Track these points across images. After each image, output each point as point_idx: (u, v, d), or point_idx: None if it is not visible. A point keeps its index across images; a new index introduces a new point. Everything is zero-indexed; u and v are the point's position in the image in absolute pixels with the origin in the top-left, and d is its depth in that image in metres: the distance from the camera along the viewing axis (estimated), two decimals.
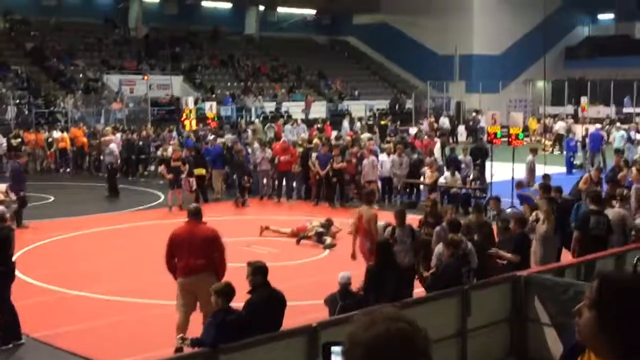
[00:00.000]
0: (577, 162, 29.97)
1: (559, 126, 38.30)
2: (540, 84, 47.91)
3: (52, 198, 23.72)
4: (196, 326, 9.46)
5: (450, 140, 33.95)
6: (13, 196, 18.69)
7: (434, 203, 13.62)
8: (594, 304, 2.52)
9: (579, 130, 35.17)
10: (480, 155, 23.70)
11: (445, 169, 22.35)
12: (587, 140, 30.45)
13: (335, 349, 2.36)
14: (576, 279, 10.13)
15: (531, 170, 21.74)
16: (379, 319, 2.22)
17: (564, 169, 28.24)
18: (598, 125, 33.05)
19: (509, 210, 19.31)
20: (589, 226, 12.04)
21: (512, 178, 20.04)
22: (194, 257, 9.85)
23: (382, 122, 39.17)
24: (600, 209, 12.33)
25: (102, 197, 23.87)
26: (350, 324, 2.29)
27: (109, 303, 12.71)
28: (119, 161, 24.58)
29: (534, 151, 23.01)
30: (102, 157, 29.32)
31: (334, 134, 32.08)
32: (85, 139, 30.63)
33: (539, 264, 11.41)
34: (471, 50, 49.26)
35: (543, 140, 37.08)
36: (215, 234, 10.13)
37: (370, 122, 39.87)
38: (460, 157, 22.91)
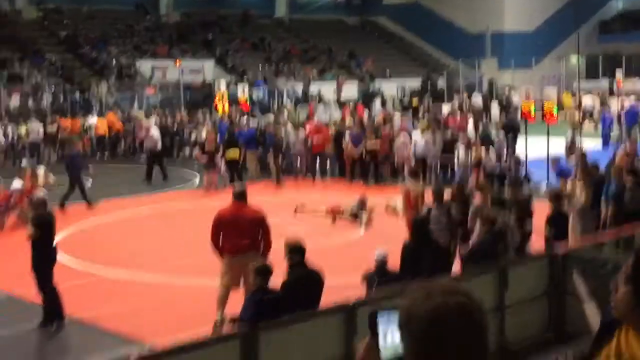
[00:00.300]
0: (613, 136, 29.60)
1: (586, 101, 37.88)
2: (574, 58, 47.27)
3: (89, 182, 24.00)
4: (238, 303, 9.57)
5: (484, 118, 33.72)
6: (52, 179, 18.99)
7: (462, 183, 13.51)
8: (629, 279, 2.52)
9: (615, 105, 34.70)
10: (511, 130, 23.54)
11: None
12: (623, 114, 30.07)
13: (382, 317, 2.34)
14: (615, 254, 10.05)
15: (571, 145, 21.61)
16: (436, 292, 2.20)
17: (599, 144, 27.92)
18: (633, 99, 32.60)
19: (545, 186, 19.22)
20: (624, 201, 11.94)
21: (548, 154, 19.90)
22: (241, 238, 9.97)
23: (414, 105, 39.02)
24: (635, 183, 12.22)
25: (139, 180, 24.06)
26: (405, 296, 2.27)
27: (148, 283, 12.88)
28: (158, 145, 24.51)
29: (575, 125, 23.01)
30: (137, 142, 29.68)
31: (366, 113, 32.07)
32: (120, 124, 31.02)
33: (579, 239, 11.36)
34: (503, 27, 48.72)
35: (577, 114, 36.63)
36: (262, 215, 10.27)
37: (407, 101, 39.67)
38: (494, 133, 22.76)
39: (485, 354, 2.21)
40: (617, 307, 2.61)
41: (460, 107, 33.07)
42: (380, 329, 2.34)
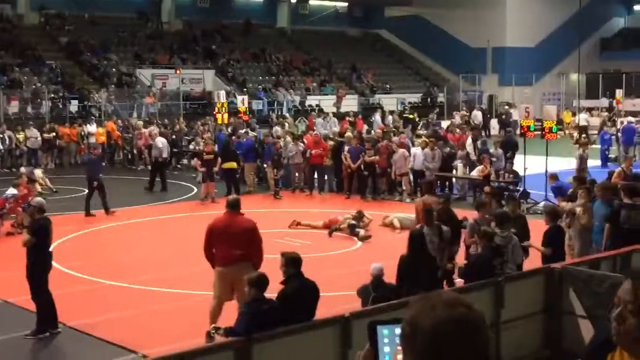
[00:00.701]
0: (611, 155, 29.67)
1: (581, 118, 38.06)
2: (574, 76, 47.44)
3: (87, 190, 23.94)
4: (231, 315, 9.55)
5: (483, 134, 33.76)
6: (49, 183, 18.94)
7: (446, 200, 12.84)
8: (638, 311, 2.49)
9: (614, 124, 34.81)
10: (509, 148, 23.59)
11: (477, 162, 22.29)
12: (620, 133, 30.19)
13: (383, 330, 2.32)
14: (612, 272, 10.03)
15: (581, 164, 21.73)
16: (439, 304, 2.21)
17: (598, 162, 27.96)
18: (631, 119, 32.78)
19: (542, 203, 19.23)
20: (620, 220, 11.92)
21: (546, 171, 19.95)
22: (233, 248, 9.95)
23: (411, 116, 39.10)
24: (632, 202, 12.20)
25: (137, 190, 24.02)
26: (409, 308, 2.27)
27: (143, 293, 12.85)
28: (163, 155, 24.63)
29: (584, 145, 23.13)
30: (134, 151, 29.70)
31: (366, 127, 32.10)
32: (118, 133, 31.04)
33: (576, 257, 11.33)
34: (504, 43, 48.84)
35: (575, 134, 36.75)
36: (253, 226, 10.24)
37: (407, 115, 39.69)
38: (492, 150, 22.77)
39: None
40: (623, 338, 2.57)
41: (467, 122, 33.10)
42: (379, 340, 2.32)
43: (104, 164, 30.52)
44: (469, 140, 24.17)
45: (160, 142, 24.92)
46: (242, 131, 26.55)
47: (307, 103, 42.38)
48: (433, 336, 2.16)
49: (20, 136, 29.60)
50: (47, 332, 10.56)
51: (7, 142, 29.20)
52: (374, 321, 2.35)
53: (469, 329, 2.18)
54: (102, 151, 30.89)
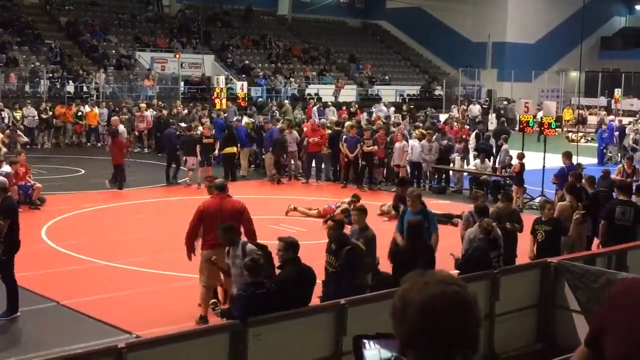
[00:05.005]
0: (609, 153, 29.74)
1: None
2: (573, 74, 47.39)
3: (83, 171, 23.91)
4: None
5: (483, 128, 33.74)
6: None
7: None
8: None
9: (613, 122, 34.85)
10: (501, 136, 23.65)
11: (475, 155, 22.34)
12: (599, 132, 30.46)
13: (367, 342, 2.34)
14: (607, 268, 10.06)
15: None
16: (433, 281, 2.24)
17: (595, 160, 28.01)
18: (612, 117, 33.44)
19: (538, 198, 19.23)
20: (615, 216, 11.97)
21: (543, 167, 19.96)
22: None
23: (412, 107, 39.15)
24: (627, 199, 12.25)
25: (132, 171, 23.89)
26: (403, 283, 2.29)
27: (137, 274, 12.83)
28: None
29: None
30: (136, 133, 29.40)
31: (365, 117, 32.05)
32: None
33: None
34: (504, 38, 48.81)
35: (574, 131, 36.79)
36: (243, 207, 10.38)
37: (412, 107, 39.67)
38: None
39: (475, 343, 2.24)
40: None
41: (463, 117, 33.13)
42: (365, 354, 2.33)
43: (95, 144, 30.58)
44: (474, 134, 24.07)
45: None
46: (235, 118, 26.49)
47: (306, 92, 42.28)
48: (423, 310, 2.18)
49: (18, 114, 29.44)
50: (6, 313, 10.31)
51: (4, 120, 28.93)
52: (360, 335, 2.36)
53: (459, 307, 2.20)
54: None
